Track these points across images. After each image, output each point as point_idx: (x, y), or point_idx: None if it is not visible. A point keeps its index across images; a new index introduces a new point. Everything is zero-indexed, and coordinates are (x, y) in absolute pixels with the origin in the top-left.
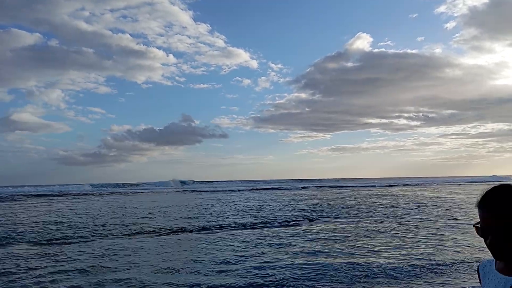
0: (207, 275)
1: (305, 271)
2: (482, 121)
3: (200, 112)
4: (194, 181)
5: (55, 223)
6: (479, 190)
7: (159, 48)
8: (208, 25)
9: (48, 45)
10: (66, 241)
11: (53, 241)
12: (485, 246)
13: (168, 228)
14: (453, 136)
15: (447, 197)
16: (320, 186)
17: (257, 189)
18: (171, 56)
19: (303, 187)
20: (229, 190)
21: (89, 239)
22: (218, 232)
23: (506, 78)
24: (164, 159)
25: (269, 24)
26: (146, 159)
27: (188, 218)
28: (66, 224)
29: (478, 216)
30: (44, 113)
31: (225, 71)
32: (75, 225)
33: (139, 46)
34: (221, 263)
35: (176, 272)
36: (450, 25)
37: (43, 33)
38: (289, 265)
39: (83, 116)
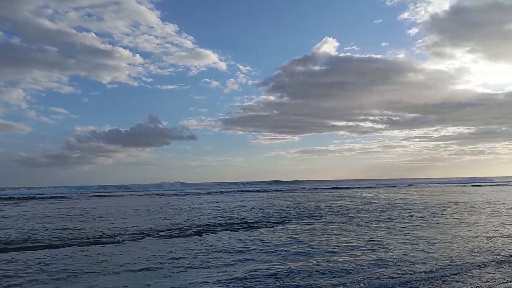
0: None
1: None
2: (444, 125)
3: (168, 114)
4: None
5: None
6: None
7: (125, 47)
8: (176, 26)
9: (9, 42)
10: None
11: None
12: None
13: (132, 232)
14: (416, 139)
15: (409, 198)
16: (288, 189)
17: (225, 192)
18: (137, 56)
19: (271, 190)
20: (201, 193)
21: None
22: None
23: (466, 83)
24: (131, 161)
25: (237, 26)
26: (111, 161)
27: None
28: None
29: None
30: (4, 113)
31: (193, 72)
32: None
33: (104, 46)
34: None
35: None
36: (413, 31)
37: (4, 31)
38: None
39: (45, 117)
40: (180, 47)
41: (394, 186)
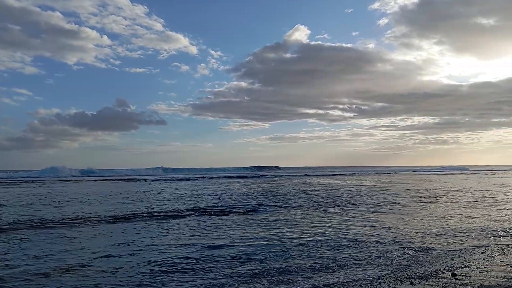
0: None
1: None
2: (410, 114)
3: (136, 97)
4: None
5: None
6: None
7: (92, 28)
8: (146, 7)
9: None
10: None
11: None
12: None
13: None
14: (384, 128)
15: (372, 185)
16: (258, 176)
17: (193, 178)
18: (105, 37)
19: (240, 176)
20: (169, 179)
21: None
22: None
23: (432, 74)
24: (97, 145)
25: (209, 10)
26: (77, 144)
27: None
28: None
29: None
30: None
31: (163, 56)
32: None
33: (70, 25)
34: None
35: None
36: (383, 21)
37: None
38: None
39: (7, 98)
40: (149, 30)
41: (365, 174)
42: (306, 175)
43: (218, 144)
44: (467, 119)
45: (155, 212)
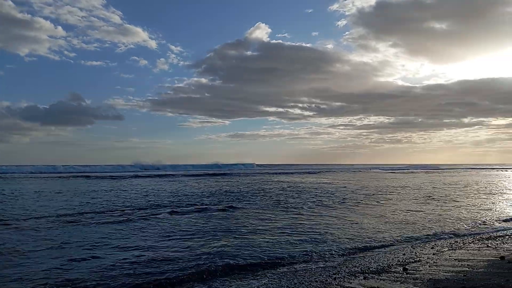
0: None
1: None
2: (366, 114)
3: (92, 91)
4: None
5: None
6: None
7: (46, 18)
8: None
9: None
10: None
11: None
12: None
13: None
14: (341, 127)
15: (330, 182)
16: (217, 174)
17: (150, 176)
18: (59, 28)
19: (199, 174)
20: (128, 177)
21: None
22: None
23: (388, 76)
24: (50, 140)
25: (170, 4)
26: (29, 139)
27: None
28: None
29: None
30: None
31: (121, 49)
32: None
33: (22, 15)
34: None
35: None
36: (341, 23)
37: None
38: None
39: None
40: (107, 22)
41: (325, 171)
42: (267, 173)
43: (178, 141)
44: (420, 120)
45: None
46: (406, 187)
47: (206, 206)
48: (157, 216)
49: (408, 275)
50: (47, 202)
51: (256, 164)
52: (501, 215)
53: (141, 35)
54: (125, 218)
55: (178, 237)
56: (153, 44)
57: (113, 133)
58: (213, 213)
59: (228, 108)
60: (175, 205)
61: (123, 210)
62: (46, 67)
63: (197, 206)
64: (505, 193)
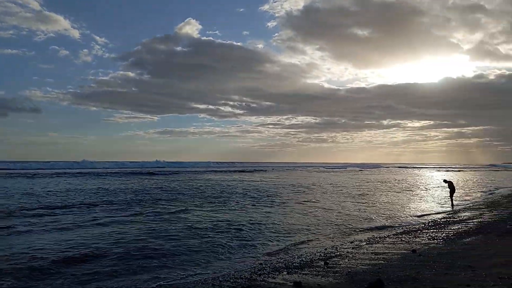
0: None
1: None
2: (295, 114)
3: (6, 82)
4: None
5: None
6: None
7: None
8: None
9: None
10: None
11: None
12: None
13: None
14: (271, 126)
15: (259, 180)
16: (143, 172)
17: (69, 173)
18: None
19: (123, 172)
20: (47, 175)
21: None
22: None
23: (315, 78)
24: None
25: None
26: None
27: None
28: None
29: None
30: None
31: (39, 38)
32: None
33: None
34: None
35: None
36: (271, 24)
37: None
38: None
39: None
40: (25, 8)
41: (254, 170)
42: (195, 171)
43: (102, 136)
44: (343, 121)
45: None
46: (331, 184)
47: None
48: None
49: (329, 269)
50: None
51: (178, 162)
52: (414, 210)
53: (62, 23)
54: None
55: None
56: (75, 33)
57: (30, 127)
58: None
59: (156, 104)
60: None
61: None
62: None
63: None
64: (417, 190)
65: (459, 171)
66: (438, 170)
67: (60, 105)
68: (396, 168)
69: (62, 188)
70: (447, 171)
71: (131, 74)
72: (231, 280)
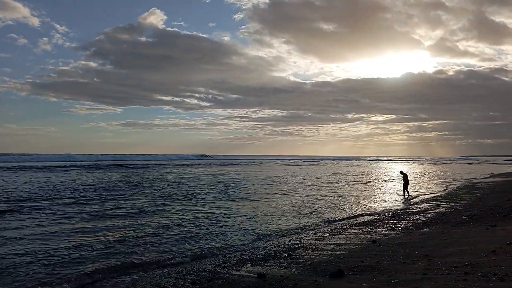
0: None
1: None
2: (261, 107)
3: None
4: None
5: None
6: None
7: None
8: None
9: None
10: None
11: None
12: None
13: None
14: (237, 119)
15: (226, 173)
16: (105, 166)
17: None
18: None
19: (83, 166)
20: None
21: None
22: None
23: (281, 71)
24: None
25: None
26: None
27: None
28: None
29: None
30: None
31: None
32: None
33: None
34: None
35: None
36: (238, 16)
37: None
38: None
39: None
40: None
41: (220, 164)
42: (161, 164)
43: (62, 128)
44: (309, 114)
45: None
46: (296, 176)
47: None
48: None
49: (292, 260)
50: None
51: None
52: (375, 201)
53: (21, 10)
54: None
55: None
56: (35, 21)
57: None
58: None
59: (120, 95)
60: None
61: None
62: None
63: None
64: (378, 182)
65: (419, 164)
66: (410, 164)
67: (18, 96)
68: (360, 161)
69: None
70: (412, 164)
71: (93, 64)
72: (195, 274)
